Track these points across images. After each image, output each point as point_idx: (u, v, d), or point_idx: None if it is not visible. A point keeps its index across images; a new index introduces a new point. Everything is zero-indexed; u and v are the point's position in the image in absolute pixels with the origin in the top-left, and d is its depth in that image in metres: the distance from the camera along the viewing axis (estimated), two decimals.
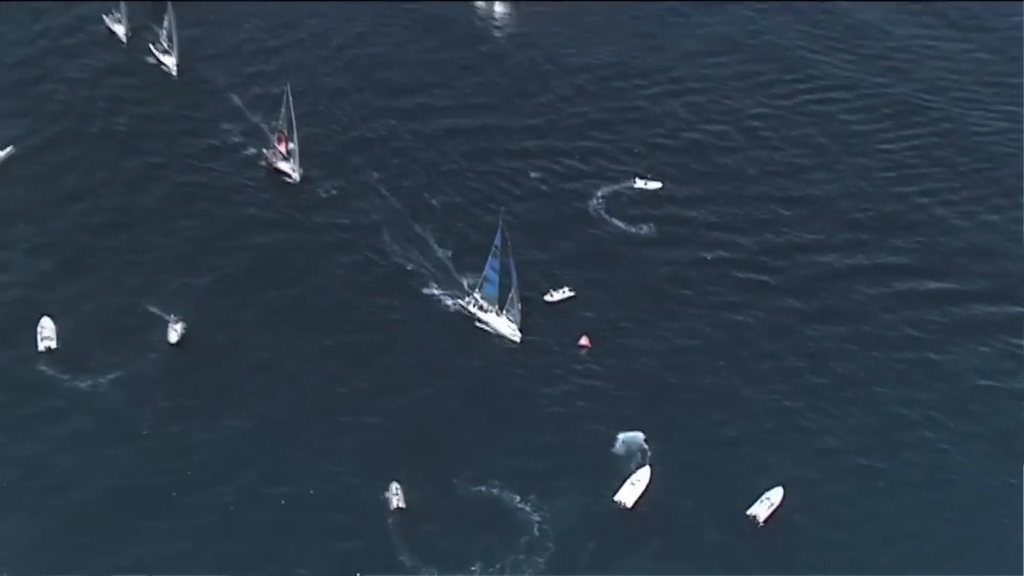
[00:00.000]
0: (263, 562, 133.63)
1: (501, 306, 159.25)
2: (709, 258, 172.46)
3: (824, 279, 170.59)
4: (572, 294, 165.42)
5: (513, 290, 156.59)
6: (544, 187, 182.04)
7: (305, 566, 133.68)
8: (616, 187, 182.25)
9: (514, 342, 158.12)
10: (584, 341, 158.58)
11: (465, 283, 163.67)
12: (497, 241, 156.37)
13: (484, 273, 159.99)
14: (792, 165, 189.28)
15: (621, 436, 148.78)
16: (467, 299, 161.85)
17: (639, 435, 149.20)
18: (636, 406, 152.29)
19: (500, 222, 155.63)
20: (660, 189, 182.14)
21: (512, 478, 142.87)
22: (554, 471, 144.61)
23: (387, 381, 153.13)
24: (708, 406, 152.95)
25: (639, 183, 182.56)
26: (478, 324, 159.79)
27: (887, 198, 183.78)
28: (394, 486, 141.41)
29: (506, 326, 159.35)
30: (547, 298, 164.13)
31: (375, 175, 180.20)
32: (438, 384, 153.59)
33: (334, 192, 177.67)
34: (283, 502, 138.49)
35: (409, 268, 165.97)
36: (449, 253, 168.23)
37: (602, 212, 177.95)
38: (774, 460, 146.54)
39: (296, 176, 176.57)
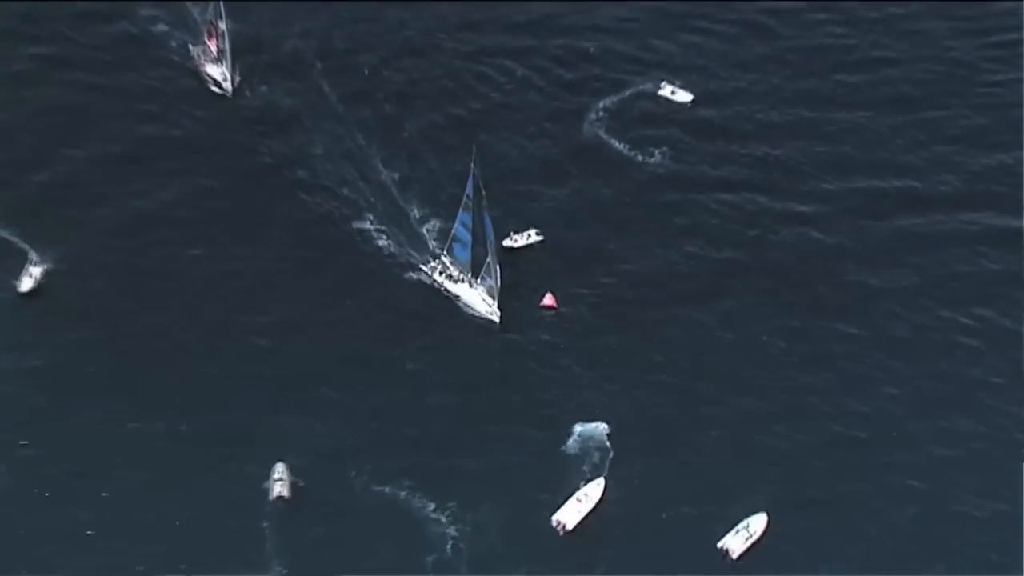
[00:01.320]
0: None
1: (475, 273, 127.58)
2: (717, 206, 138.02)
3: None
4: (540, 239, 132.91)
5: (490, 254, 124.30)
6: (532, 91, 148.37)
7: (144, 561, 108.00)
8: (633, 91, 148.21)
9: (491, 321, 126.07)
10: (548, 301, 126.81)
11: (430, 242, 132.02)
12: (469, 190, 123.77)
13: (453, 230, 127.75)
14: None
15: (578, 429, 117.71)
16: (432, 264, 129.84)
17: (601, 427, 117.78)
18: (604, 390, 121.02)
19: (472, 166, 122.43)
20: (690, 103, 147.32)
21: (430, 479, 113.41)
22: (486, 473, 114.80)
23: (313, 352, 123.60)
24: (694, 396, 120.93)
25: (666, 89, 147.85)
26: (446, 294, 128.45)
27: None
28: (279, 468, 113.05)
29: (480, 300, 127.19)
30: (507, 243, 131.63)
31: (327, 88, 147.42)
32: (366, 351, 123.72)
33: (275, 110, 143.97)
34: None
35: (364, 223, 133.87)
36: (415, 210, 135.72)
37: (600, 130, 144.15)
38: (763, 474, 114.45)
39: (228, 87, 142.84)
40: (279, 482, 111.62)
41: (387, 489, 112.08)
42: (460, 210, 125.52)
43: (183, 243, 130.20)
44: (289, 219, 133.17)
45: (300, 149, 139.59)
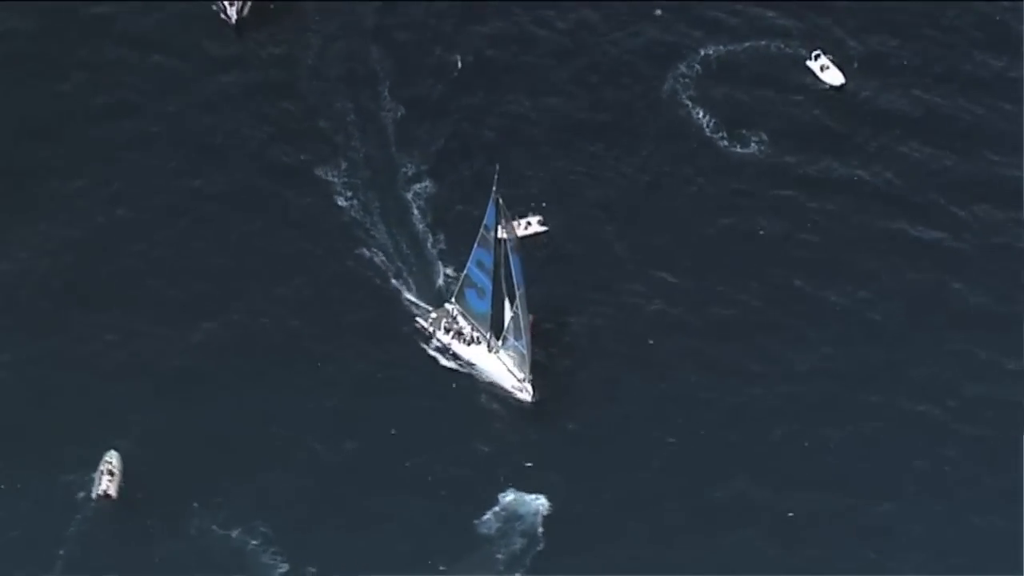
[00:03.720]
0: None
1: (496, 333, 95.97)
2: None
3: None
4: (542, 229, 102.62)
5: (519, 307, 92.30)
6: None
7: None
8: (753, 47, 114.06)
9: (521, 400, 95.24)
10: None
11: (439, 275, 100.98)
12: (488, 219, 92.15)
13: (466, 270, 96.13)
14: None
15: (506, 498, 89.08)
16: (434, 314, 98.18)
17: (537, 503, 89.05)
18: (562, 452, 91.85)
19: (493, 190, 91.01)
20: (841, 87, 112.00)
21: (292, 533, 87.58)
22: (366, 538, 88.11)
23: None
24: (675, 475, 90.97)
25: (817, 62, 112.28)
26: (452, 362, 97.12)
27: None
28: (113, 458, 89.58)
29: (504, 371, 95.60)
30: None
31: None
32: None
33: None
34: None
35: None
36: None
37: (682, 94, 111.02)
38: None
39: (232, 13, 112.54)
40: (107, 476, 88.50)
41: (234, 533, 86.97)
42: (476, 245, 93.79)
43: None
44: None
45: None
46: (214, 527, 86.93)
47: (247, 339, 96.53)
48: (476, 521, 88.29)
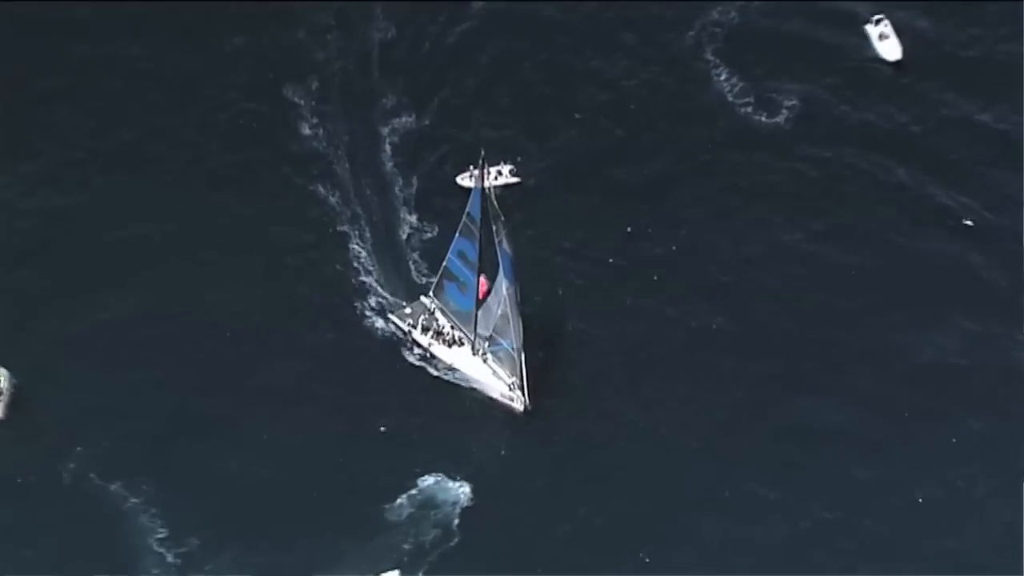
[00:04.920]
0: None
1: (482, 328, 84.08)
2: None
3: None
4: (514, 180, 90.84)
5: (510, 307, 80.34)
6: None
7: None
8: None
9: (513, 409, 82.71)
10: (482, 283, 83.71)
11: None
12: (472, 207, 79.76)
13: (446, 261, 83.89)
14: None
15: (425, 482, 78.28)
16: (409, 311, 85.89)
17: (460, 491, 78.35)
18: (501, 436, 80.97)
19: (476, 174, 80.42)
20: (897, 64, 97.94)
21: (169, 496, 77.94)
22: (252, 523, 77.62)
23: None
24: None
25: (875, 28, 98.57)
26: (435, 366, 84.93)
27: None
28: (2, 376, 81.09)
29: (491, 377, 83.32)
30: (461, 180, 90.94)
31: None
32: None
33: None
34: None
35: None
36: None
37: (706, 48, 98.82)
38: None
39: None
40: None
41: (113, 486, 77.46)
42: (456, 235, 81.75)
43: None
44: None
45: None
46: (92, 475, 77.46)
47: (186, 292, 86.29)
48: (386, 505, 77.64)
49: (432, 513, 77.51)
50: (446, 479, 78.54)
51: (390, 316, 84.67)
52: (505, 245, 77.85)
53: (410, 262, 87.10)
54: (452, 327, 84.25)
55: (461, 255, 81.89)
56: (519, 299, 79.49)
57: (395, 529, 76.61)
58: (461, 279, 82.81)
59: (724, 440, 79.97)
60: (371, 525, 76.52)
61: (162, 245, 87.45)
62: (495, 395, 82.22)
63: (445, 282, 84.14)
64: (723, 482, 78.39)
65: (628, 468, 79.13)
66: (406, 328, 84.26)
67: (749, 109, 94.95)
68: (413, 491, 78.02)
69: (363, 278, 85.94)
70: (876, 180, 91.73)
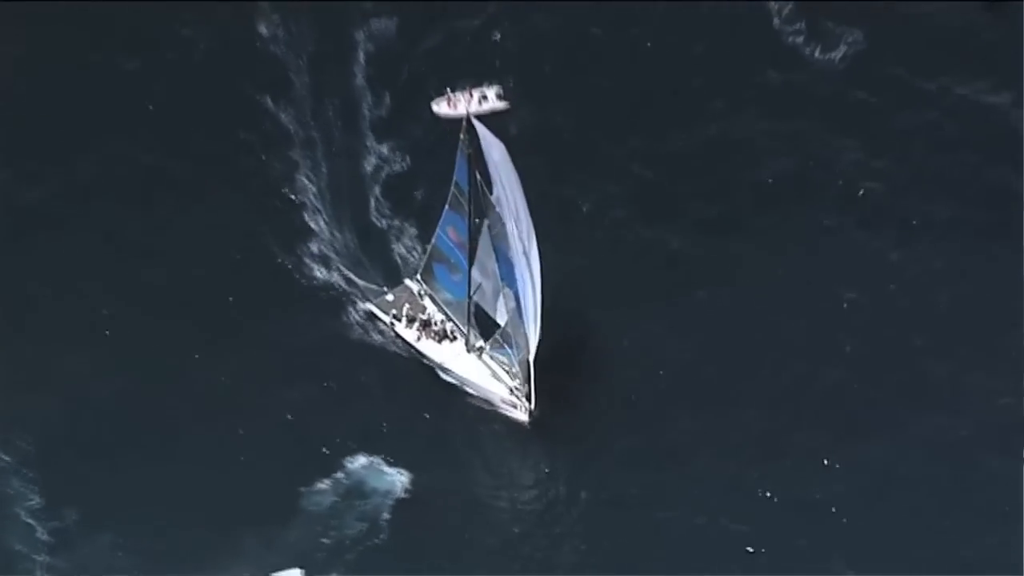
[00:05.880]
0: None
1: (482, 329, 67.76)
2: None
3: None
4: (501, 106, 75.96)
5: (514, 291, 64.45)
6: None
7: None
8: None
9: (519, 420, 66.39)
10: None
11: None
12: (459, 175, 63.64)
13: (435, 238, 68.11)
14: None
15: (354, 465, 64.45)
16: (390, 296, 70.37)
17: (396, 479, 64.24)
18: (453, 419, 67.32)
19: (462, 138, 62.13)
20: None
21: (49, 461, 64.60)
22: (144, 502, 63.61)
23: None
24: None
25: None
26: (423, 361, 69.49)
27: None
28: None
29: (491, 380, 67.33)
30: (437, 106, 76.23)
31: None
32: None
33: None
34: None
35: None
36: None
37: None
38: None
39: None
40: None
41: None
42: (446, 208, 66.30)
43: None
44: None
45: None
46: None
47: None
48: (303, 490, 64.25)
49: (359, 504, 64.17)
50: (382, 463, 65.31)
51: (367, 305, 69.69)
52: (504, 240, 62.62)
53: (371, 200, 73.38)
54: (444, 319, 69.26)
55: (450, 231, 66.76)
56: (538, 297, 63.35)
57: (311, 520, 62.94)
58: (452, 260, 67.51)
59: None
60: (282, 514, 62.53)
61: None
62: (495, 400, 66.79)
63: (434, 264, 68.91)
64: None
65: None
66: (388, 320, 69.22)
67: (800, 38, 79.90)
68: (339, 475, 64.60)
69: (309, 217, 72.65)
70: None
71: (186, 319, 69.16)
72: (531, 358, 64.48)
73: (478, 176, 61.92)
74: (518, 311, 64.17)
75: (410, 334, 68.86)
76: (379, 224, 72.59)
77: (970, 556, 61.75)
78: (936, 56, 79.03)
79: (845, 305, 69.75)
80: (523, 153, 63.22)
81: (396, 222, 72.38)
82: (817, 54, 79.81)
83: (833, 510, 63.48)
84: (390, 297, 69.92)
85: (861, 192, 74.10)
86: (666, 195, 74.08)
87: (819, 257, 71.49)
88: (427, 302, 69.72)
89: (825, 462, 64.64)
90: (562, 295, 65.72)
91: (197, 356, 68.02)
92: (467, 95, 72.95)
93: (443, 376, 68.05)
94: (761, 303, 69.68)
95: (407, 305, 69.21)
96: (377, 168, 74.33)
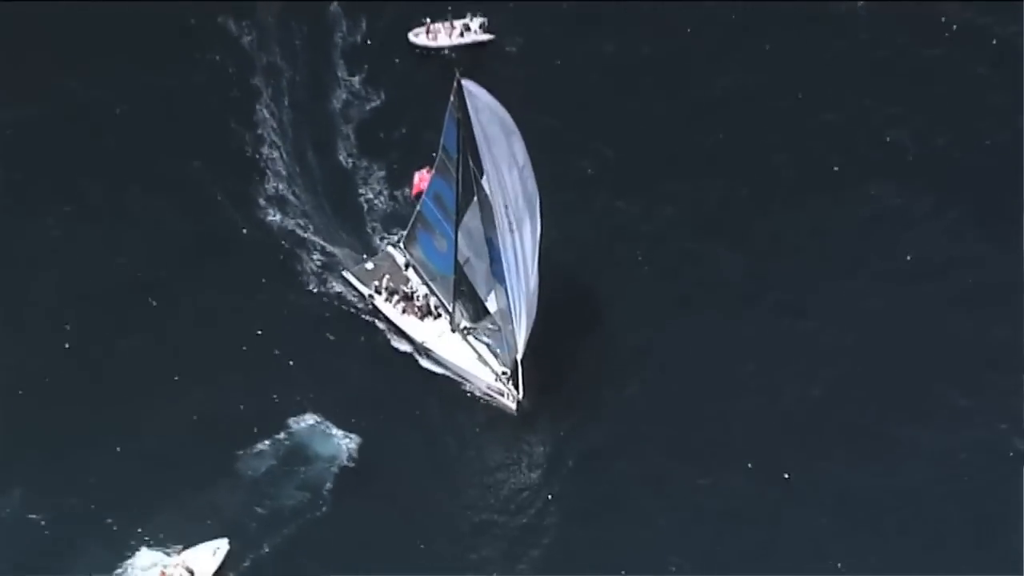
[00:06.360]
0: None
1: (471, 310, 60.43)
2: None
3: None
4: (486, 38, 68.25)
5: (504, 295, 57.61)
6: None
7: None
8: None
9: (507, 407, 58.72)
10: (418, 182, 63.47)
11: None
12: (448, 139, 56.08)
13: (419, 207, 60.90)
14: None
15: (299, 424, 57.41)
16: (369, 265, 62.61)
17: (344, 444, 57.06)
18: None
19: (451, 100, 54.29)
20: None
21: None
22: (77, 472, 56.45)
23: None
24: None
25: None
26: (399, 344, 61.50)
27: None
28: None
29: (479, 366, 59.79)
30: (414, 36, 68.14)
31: None
32: None
33: None
34: None
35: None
36: None
37: None
38: None
39: None
40: None
41: None
42: (433, 173, 59.37)
43: None
44: None
45: None
46: None
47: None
48: (240, 452, 57.34)
49: (300, 470, 57.22)
50: (331, 426, 58.31)
51: (345, 274, 62.22)
52: (494, 227, 55.39)
53: (338, 137, 66.24)
54: (427, 294, 61.71)
55: (437, 198, 59.35)
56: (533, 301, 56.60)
57: (245, 486, 55.93)
58: (438, 231, 60.03)
59: None
60: (211, 478, 56.31)
61: None
62: (480, 386, 59.30)
63: (419, 232, 61.40)
64: None
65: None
66: (368, 293, 61.65)
67: None
68: (281, 435, 57.71)
69: (267, 152, 65.38)
70: None
71: (129, 272, 62.23)
72: (519, 357, 57.54)
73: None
74: (508, 311, 57.14)
75: (391, 309, 61.30)
76: (346, 165, 65.45)
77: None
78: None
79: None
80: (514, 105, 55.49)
81: (364, 163, 65.35)
82: None
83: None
84: (370, 266, 62.37)
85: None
86: (646, 174, 66.62)
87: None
88: (411, 273, 62.42)
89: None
90: (555, 277, 58.79)
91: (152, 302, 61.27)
92: (448, 25, 65.55)
93: (423, 363, 60.28)
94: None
95: (387, 276, 61.77)
96: (347, 103, 67.17)
